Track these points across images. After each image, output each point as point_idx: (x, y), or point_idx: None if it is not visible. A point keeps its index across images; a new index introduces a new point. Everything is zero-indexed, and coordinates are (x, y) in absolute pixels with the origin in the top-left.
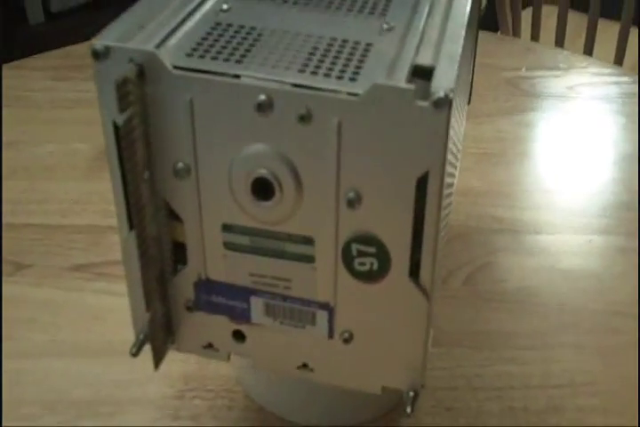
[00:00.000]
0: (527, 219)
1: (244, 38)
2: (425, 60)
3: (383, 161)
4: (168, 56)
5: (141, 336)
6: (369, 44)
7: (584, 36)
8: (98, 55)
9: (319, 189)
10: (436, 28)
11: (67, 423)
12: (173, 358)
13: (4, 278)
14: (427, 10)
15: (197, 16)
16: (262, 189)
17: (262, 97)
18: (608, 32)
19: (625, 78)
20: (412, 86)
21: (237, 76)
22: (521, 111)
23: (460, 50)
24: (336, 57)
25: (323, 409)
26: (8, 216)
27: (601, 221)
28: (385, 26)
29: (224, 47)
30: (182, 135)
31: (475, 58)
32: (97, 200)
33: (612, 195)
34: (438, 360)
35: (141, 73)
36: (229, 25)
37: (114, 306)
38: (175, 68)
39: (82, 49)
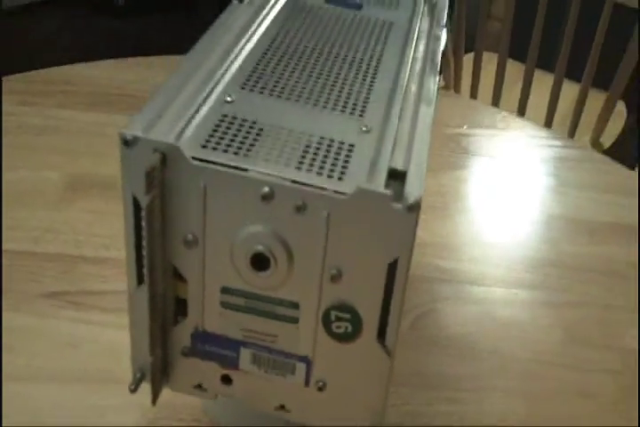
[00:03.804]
0: (467, 270)
1: (248, 132)
2: (398, 163)
3: (362, 247)
4: (186, 147)
5: (139, 375)
6: (352, 145)
7: (521, 83)
8: (127, 143)
9: (308, 265)
10: (406, 132)
11: None
12: (148, 389)
13: None
14: (398, 112)
15: (206, 107)
16: (259, 261)
17: (266, 189)
18: (543, 82)
19: (557, 142)
20: (389, 192)
21: (245, 170)
22: (460, 167)
23: (426, 154)
24: (325, 155)
25: None
26: None
27: (528, 276)
28: (364, 128)
29: (232, 140)
30: (194, 213)
31: None
32: (67, 230)
33: (539, 252)
34: (388, 398)
35: (164, 160)
36: (234, 117)
37: (87, 335)
38: (193, 158)
39: (45, 75)
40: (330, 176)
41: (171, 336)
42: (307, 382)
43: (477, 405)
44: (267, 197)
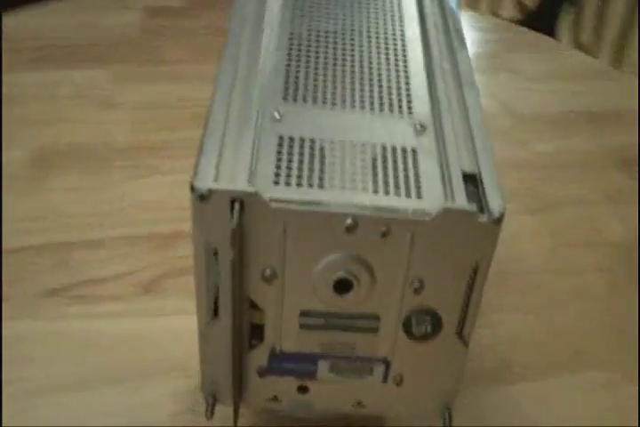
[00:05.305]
0: None
1: (312, 155)
2: (465, 164)
3: (445, 259)
4: (261, 189)
5: (211, 400)
6: (414, 151)
7: None
8: (203, 198)
9: (390, 281)
10: (460, 126)
11: None
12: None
13: None
14: (445, 102)
15: (260, 132)
16: (342, 284)
17: (349, 221)
18: None
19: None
20: (474, 207)
21: (325, 204)
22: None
23: (490, 149)
24: (395, 168)
25: None
26: None
27: (505, 183)
28: (418, 127)
29: (300, 169)
30: (272, 250)
31: None
32: (48, 215)
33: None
34: None
35: (242, 207)
36: (291, 139)
37: (103, 329)
38: (270, 200)
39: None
40: (408, 195)
41: (246, 360)
42: (384, 380)
43: (491, 329)
44: (350, 229)
